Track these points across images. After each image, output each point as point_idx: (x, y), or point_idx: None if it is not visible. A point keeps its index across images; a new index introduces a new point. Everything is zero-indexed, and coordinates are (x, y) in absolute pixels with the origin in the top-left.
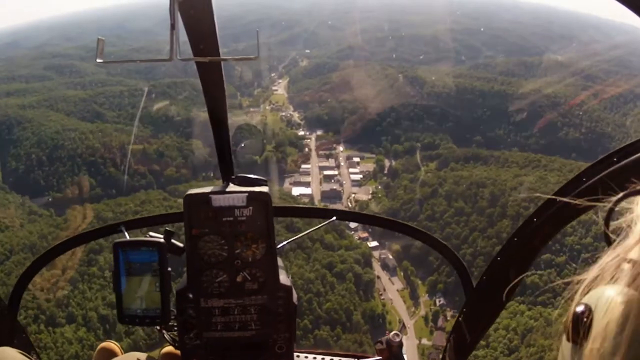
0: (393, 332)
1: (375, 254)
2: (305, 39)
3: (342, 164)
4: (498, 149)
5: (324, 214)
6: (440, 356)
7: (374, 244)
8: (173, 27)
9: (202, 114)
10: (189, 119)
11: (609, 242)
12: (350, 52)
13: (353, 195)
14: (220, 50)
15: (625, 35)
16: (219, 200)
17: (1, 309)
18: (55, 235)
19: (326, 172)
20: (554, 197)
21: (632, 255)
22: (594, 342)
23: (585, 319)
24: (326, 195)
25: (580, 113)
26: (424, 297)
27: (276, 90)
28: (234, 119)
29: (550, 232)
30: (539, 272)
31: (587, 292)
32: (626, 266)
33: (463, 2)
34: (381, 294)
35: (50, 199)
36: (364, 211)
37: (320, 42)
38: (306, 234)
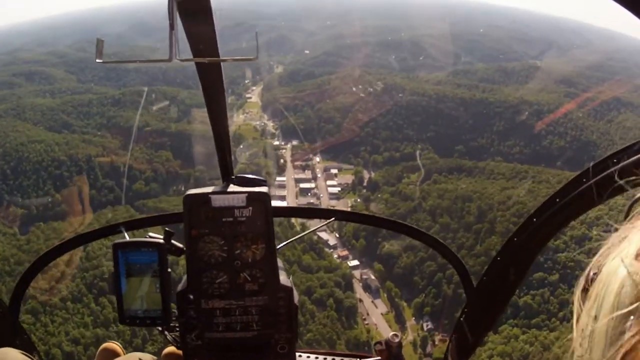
0: (392, 333)
1: (357, 274)
2: (280, 45)
3: (319, 175)
4: (482, 159)
5: (324, 214)
6: (443, 357)
7: (355, 262)
8: (172, 27)
9: (173, 125)
10: (160, 129)
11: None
12: (326, 59)
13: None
14: (220, 51)
15: (603, 39)
16: (218, 201)
17: (2, 310)
18: (18, 259)
19: (302, 185)
20: (554, 197)
21: None
22: (595, 288)
23: (593, 279)
24: None
25: (565, 121)
26: (410, 321)
27: (250, 97)
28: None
29: (550, 232)
30: (531, 292)
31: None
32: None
33: (438, 7)
34: (364, 319)
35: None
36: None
37: (295, 48)
38: (306, 234)
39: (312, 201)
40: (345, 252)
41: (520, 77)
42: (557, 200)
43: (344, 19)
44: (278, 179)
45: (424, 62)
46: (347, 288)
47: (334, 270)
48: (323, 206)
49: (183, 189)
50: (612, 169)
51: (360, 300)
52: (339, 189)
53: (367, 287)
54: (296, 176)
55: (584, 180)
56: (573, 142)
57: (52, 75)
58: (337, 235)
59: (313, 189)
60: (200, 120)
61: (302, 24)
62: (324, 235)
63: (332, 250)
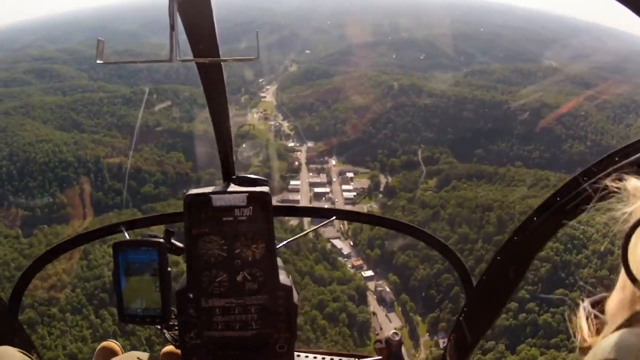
0: (392, 331)
1: (371, 285)
2: (294, 43)
3: (334, 179)
4: (502, 164)
5: (324, 213)
6: (441, 356)
7: (369, 273)
8: (172, 28)
9: (185, 125)
10: (172, 129)
11: (629, 274)
12: (340, 57)
13: None
14: (220, 51)
15: (615, 40)
16: (219, 200)
17: (2, 309)
18: (18, 264)
19: (317, 190)
20: (554, 195)
21: None
22: None
23: None
24: None
25: (585, 124)
26: (424, 337)
27: (264, 97)
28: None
29: (550, 232)
30: (551, 309)
31: (601, 327)
32: None
33: (453, 6)
34: (377, 334)
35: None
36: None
37: (310, 46)
38: (306, 233)
39: (326, 206)
40: (359, 262)
41: (537, 78)
42: (558, 199)
43: (360, 18)
44: (292, 182)
45: (440, 62)
46: (360, 301)
47: (348, 282)
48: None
49: None
50: (613, 168)
51: (374, 314)
52: (355, 193)
53: (381, 300)
54: (311, 180)
55: (585, 179)
56: (593, 147)
57: (62, 73)
58: (352, 243)
59: (327, 193)
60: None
61: (317, 22)
62: (337, 243)
63: (346, 259)
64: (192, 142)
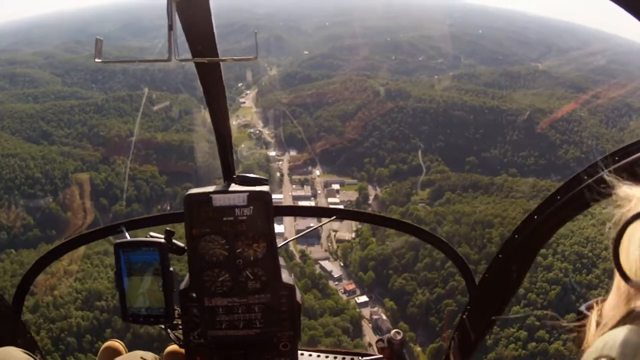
0: (394, 330)
1: (366, 313)
2: (274, 47)
3: (319, 192)
4: (496, 172)
5: (325, 213)
6: (445, 355)
7: (363, 298)
8: (171, 27)
9: (160, 135)
10: (145, 139)
11: (621, 272)
12: (322, 61)
13: (333, 233)
14: (219, 51)
15: (600, 41)
16: (219, 200)
17: (5, 309)
18: None
19: (301, 204)
20: (555, 194)
21: None
22: None
23: None
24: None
25: (579, 129)
26: None
27: (244, 102)
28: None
29: (551, 230)
30: (562, 336)
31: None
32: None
33: (437, 8)
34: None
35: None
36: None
37: (290, 49)
38: (307, 232)
39: (312, 225)
40: (352, 286)
41: (526, 82)
42: (558, 197)
43: (341, 19)
44: (274, 196)
45: (425, 65)
46: (355, 334)
47: (341, 312)
48: (302, 245)
49: (169, 208)
50: (614, 167)
51: (370, 345)
52: (342, 207)
53: (377, 329)
54: (294, 193)
55: (585, 177)
56: (589, 153)
57: (37, 78)
58: (342, 264)
59: None
60: (189, 129)
61: (298, 24)
62: (327, 265)
63: (337, 283)
64: (168, 154)
